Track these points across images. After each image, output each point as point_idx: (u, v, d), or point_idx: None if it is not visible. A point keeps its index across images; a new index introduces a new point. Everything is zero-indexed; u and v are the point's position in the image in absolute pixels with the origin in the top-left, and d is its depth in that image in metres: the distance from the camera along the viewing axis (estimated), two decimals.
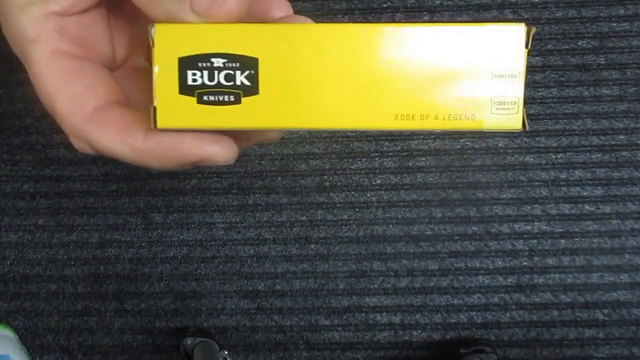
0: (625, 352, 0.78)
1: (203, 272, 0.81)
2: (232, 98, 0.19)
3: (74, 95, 0.19)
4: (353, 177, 0.80)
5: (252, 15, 0.21)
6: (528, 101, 0.80)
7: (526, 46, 0.18)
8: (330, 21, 0.81)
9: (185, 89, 0.18)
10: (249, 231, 0.81)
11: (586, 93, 0.79)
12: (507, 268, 0.79)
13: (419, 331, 0.80)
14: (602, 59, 0.79)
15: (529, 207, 0.79)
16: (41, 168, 0.82)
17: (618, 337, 0.78)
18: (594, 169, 0.79)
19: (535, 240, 0.79)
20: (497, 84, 0.19)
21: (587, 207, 0.79)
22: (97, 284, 0.81)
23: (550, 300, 0.79)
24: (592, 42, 0.80)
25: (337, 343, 0.80)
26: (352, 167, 0.80)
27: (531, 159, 0.80)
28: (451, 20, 0.81)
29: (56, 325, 0.81)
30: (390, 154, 0.80)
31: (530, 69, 0.80)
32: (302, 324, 0.80)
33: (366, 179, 0.80)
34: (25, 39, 0.19)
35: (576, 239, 0.79)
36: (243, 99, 0.19)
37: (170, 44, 0.18)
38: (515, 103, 0.19)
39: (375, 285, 0.80)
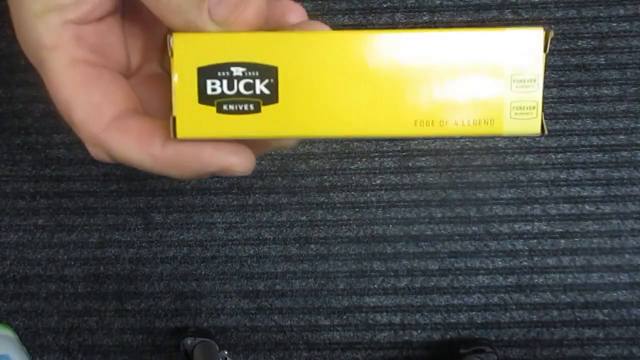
0: (625, 352, 0.78)
1: (203, 272, 0.81)
2: (251, 107, 0.19)
3: (92, 103, 0.19)
4: (353, 177, 0.80)
5: (268, 20, 0.21)
6: None
7: (544, 50, 0.18)
8: (330, 21, 0.81)
9: (204, 98, 0.18)
10: (249, 231, 0.81)
11: (586, 93, 0.79)
12: (507, 268, 0.79)
13: (419, 331, 0.80)
14: (602, 59, 0.79)
15: (529, 207, 0.79)
16: (41, 168, 0.82)
17: (618, 337, 0.78)
18: (594, 169, 0.79)
19: (535, 240, 0.79)
20: (515, 88, 0.19)
21: (587, 207, 0.79)
22: (97, 284, 0.81)
23: (550, 300, 0.79)
24: (592, 42, 0.80)
25: (337, 343, 0.80)
26: (352, 167, 0.80)
27: (531, 159, 0.80)
28: (451, 20, 0.81)
29: (56, 325, 0.81)
30: (390, 154, 0.80)
31: None
32: (302, 324, 0.80)
33: (366, 179, 0.80)
34: (42, 47, 0.19)
35: (576, 239, 0.79)
36: (263, 108, 0.19)
37: (189, 53, 0.18)
38: (534, 108, 0.19)
39: (375, 285, 0.80)
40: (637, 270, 0.78)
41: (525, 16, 0.80)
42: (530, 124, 0.19)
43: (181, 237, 0.81)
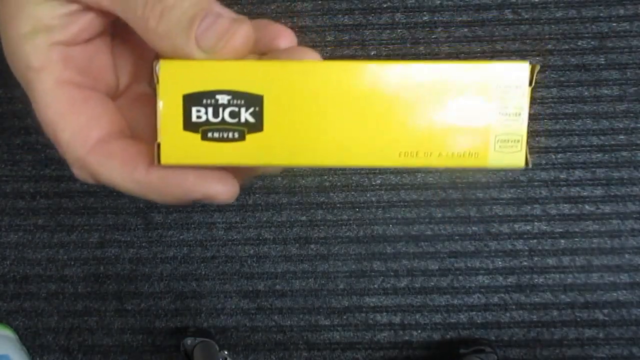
0: (625, 352, 0.78)
1: (203, 272, 0.81)
2: (236, 135, 0.18)
3: (78, 125, 0.19)
4: (353, 177, 0.80)
5: (258, 44, 0.21)
6: None
7: (530, 84, 0.18)
8: (330, 21, 0.81)
9: (189, 125, 0.18)
10: (249, 231, 0.81)
11: (586, 93, 0.79)
12: (507, 268, 0.79)
13: (419, 331, 0.80)
14: (602, 59, 0.79)
15: (529, 207, 0.79)
16: (41, 168, 0.82)
17: (618, 337, 0.78)
18: (594, 169, 0.79)
19: (535, 240, 0.79)
20: (500, 122, 0.19)
21: (587, 207, 0.79)
22: (97, 284, 0.81)
23: (550, 300, 0.79)
24: (592, 42, 0.80)
25: (337, 343, 0.80)
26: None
27: (531, 159, 0.80)
28: (451, 20, 0.81)
29: (56, 325, 0.81)
30: None
31: None
32: (302, 324, 0.80)
33: (366, 179, 0.80)
34: (29, 68, 0.19)
35: (576, 239, 0.79)
36: (247, 136, 0.18)
37: (174, 80, 0.18)
38: (518, 141, 0.19)
39: (375, 285, 0.80)
40: (637, 270, 0.78)
41: (525, 16, 0.80)
42: (515, 157, 0.19)
43: (181, 237, 0.81)
